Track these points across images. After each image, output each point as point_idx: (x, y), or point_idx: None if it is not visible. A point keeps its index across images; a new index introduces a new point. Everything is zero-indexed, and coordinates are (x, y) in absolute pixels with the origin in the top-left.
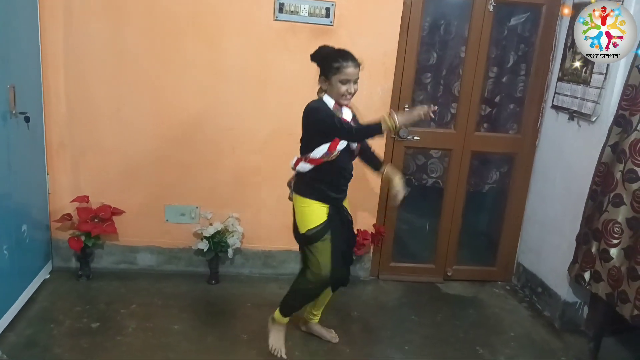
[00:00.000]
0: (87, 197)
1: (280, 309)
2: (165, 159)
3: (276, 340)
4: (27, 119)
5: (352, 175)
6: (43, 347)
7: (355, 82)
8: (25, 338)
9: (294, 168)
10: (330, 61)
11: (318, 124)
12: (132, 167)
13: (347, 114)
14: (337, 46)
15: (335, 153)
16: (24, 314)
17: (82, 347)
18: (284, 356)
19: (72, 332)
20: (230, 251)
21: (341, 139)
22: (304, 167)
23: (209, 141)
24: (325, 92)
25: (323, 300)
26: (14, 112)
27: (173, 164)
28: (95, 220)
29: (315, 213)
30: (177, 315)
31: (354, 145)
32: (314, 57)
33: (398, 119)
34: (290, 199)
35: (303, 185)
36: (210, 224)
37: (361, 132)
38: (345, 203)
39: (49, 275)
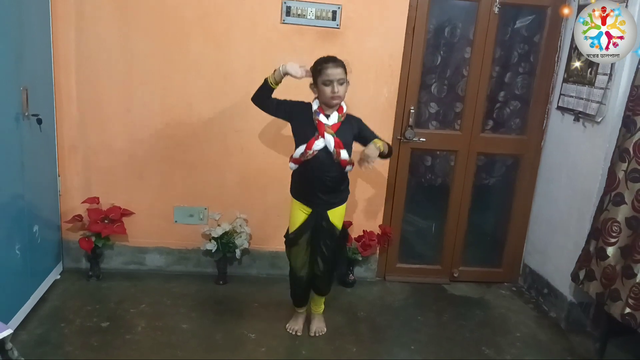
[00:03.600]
0: (98, 198)
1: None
2: (174, 160)
3: (292, 323)
4: (39, 121)
5: (334, 182)
6: (54, 345)
7: (341, 83)
8: (36, 336)
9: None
10: (315, 65)
11: None
12: (141, 168)
13: (331, 119)
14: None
15: (311, 152)
16: (35, 313)
17: (92, 346)
18: (299, 334)
19: (82, 330)
20: (238, 252)
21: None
22: (292, 165)
23: (217, 142)
24: (317, 98)
25: (313, 296)
26: (26, 114)
27: (181, 165)
28: (106, 221)
29: (296, 216)
30: (185, 315)
31: (331, 148)
32: (311, 69)
33: (285, 68)
34: None
35: (291, 184)
36: (219, 225)
37: (257, 90)
38: (335, 214)
39: (59, 276)
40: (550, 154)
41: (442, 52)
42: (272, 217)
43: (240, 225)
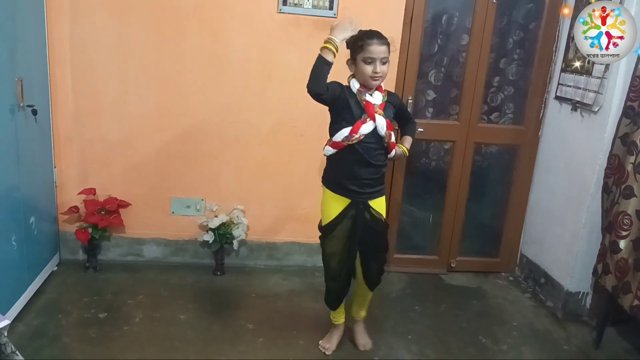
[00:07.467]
0: (94, 189)
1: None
2: (171, 152)
3: (325, 340)
4: (34, 112)
5: (381, 170)
6: (51, 337)
7: (383, 62)
8: (33, 328)
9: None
10: (356, 40)
11: None
12: (137, 159)
13: (376, 98)
14: None
15: (357, 136)
16: (32, 305)
17: (90, 337)
18: (327, 353)
19: (80, 322)
20: (235, 243)
21: (309, 91)
22: (328, 150)
23: (214, 133)
24: (354, 76)
25: (357, 298)
26: (21, 105)
27: (178, 156)
28: (102, 212)
29: (330, 207)
30: (183, 306)
31: (383, 131)
32: (348, 43)
33: (335, 36)
34: None
35: (325, 172)
36: (216, 216)
37: (311, 72)
38: (378, 203)
39: (56, 267)
40: (548, 144)
41: (439, 42)
42: (269, 208)
43: (237, 216)
